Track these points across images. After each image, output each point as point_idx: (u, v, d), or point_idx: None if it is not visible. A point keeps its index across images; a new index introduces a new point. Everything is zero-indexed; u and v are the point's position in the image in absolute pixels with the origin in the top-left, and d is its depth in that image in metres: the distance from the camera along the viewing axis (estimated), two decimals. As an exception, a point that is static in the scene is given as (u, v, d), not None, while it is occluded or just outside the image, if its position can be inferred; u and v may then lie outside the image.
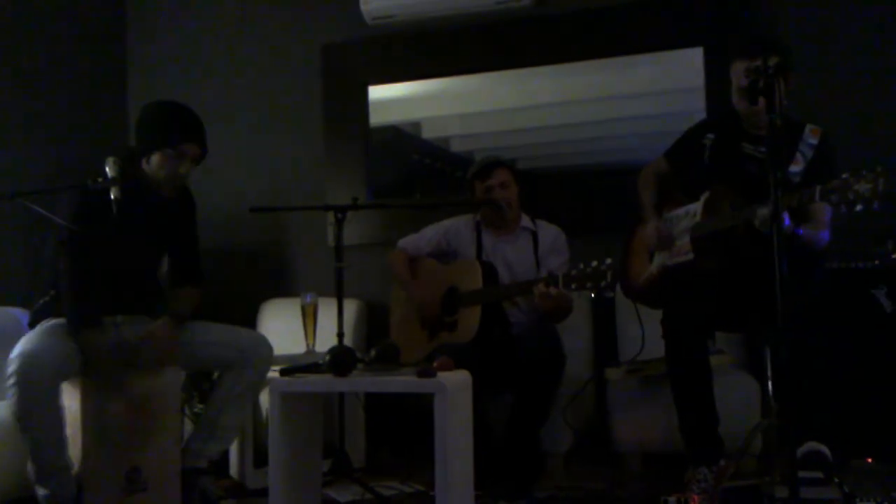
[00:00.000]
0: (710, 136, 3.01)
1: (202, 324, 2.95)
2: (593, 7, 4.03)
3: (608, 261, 2.89)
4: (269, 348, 2.97)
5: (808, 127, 2.84)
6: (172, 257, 3.04)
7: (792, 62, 2.77)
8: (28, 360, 2.51)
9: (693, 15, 3.87)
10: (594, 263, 2.91)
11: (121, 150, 2.98)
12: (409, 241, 3.58)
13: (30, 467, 2.62)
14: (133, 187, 2.75)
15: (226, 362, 2.92)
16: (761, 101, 2.28)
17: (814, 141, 2.82)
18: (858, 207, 2.31)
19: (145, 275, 2.98)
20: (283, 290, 4.32)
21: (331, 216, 3.10)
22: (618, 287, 3.11)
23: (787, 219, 2.47)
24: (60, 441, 2.59)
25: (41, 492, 2.62)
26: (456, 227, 3.52)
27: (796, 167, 2.79)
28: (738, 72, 2.83)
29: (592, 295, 2.94)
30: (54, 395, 2.57)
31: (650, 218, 3.09)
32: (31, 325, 2.80)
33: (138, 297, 2.92)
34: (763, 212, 2.52)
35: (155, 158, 2.82)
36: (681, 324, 2.84)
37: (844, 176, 2.34)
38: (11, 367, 2.51)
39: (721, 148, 2.97)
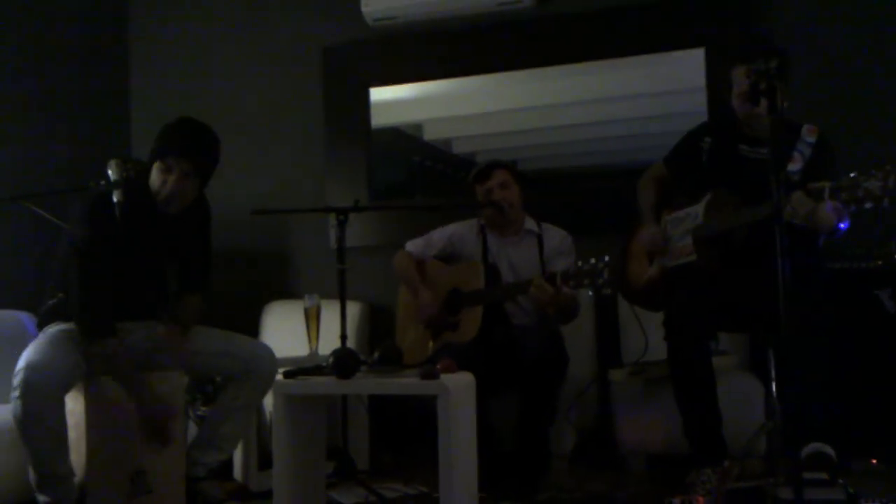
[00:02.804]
0: (708, 139, 3.04)
1: (208, 331, 2.94)
2: (594, 8, 4.02)
3: (606, 258, 2.89)
4: (274, 362, 2.96)
5: (806, 126, 2.86)
6: (180, 264, 3.00)
7: (790, 65, 2.78)
8: (33, 372, 2.50)
9: (694, 16, 3.86)
10: (592, 261, 2.91)
11: (138, 160, 2.95)
12: (415, 244, 3.58)
13: (30, 473, 2.61)
14: (142, 195, 2.76)
15: (230, 373, 2.92)
16: (763, 102, 2.29)
17: (811, 139, 2.84)
18: (868, 205, 2.30)
19: (150, 280, 2.95)
20: (285, 292, 4.32)
21: (333, 218, 3.10)
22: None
23: (846, 223, 2.48)
24: (63, 450, 2.58)
25: (42, 499, 2.61)
26: (460, 233, 3.51)
27: (795, 166, 2.80)
28: (739, 76, 2.86)
29: (590, 293, 2.94)
30: (59, 407, 2.56)
31: (648, 222, 3.10)
32: (40, 325, 2.80)
33: (143, 302, 2.91)
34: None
35: (153, 170, 2.81)
36: (683, 325, 2.84)
37: (853, 174, 2.33)
38: (17, 379, 2.51)
39: (718, 151, 2.99)
